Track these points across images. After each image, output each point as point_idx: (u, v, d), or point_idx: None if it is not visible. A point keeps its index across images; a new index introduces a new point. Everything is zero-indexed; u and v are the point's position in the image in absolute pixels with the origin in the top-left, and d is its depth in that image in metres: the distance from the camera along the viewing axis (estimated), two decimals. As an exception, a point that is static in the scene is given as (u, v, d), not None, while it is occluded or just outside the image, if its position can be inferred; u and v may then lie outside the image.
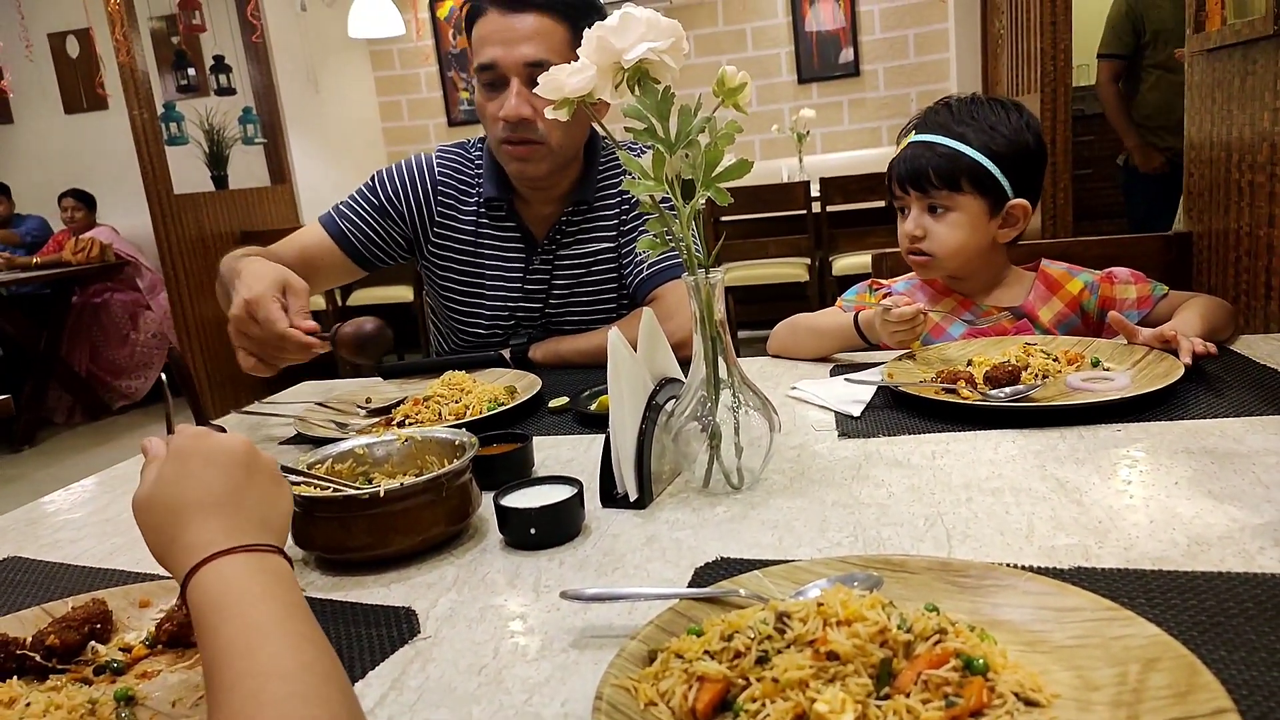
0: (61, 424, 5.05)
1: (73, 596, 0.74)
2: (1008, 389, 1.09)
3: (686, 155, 0.87)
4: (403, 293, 4.97)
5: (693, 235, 0.89)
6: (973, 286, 1.45)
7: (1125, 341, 1.21)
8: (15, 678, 0.64)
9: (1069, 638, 0.58)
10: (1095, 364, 1.17)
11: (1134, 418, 1.00)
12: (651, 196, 0.89)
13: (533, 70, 1.36)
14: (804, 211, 4.21)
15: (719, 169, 0.87)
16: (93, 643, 0.69)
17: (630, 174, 0.87)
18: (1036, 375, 1.13)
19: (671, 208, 0.89)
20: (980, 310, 1.43)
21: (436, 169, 1.58)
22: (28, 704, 0.60)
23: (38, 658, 0.66)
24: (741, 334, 4.56)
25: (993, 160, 1.33)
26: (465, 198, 1.57)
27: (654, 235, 0.91)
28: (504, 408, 1.22)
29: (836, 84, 5.66)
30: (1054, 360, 1.17)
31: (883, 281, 1.53)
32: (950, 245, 1.37)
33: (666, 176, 0.87)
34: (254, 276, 1.21)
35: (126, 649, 0.68)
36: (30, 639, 0.68)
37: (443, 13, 6.10)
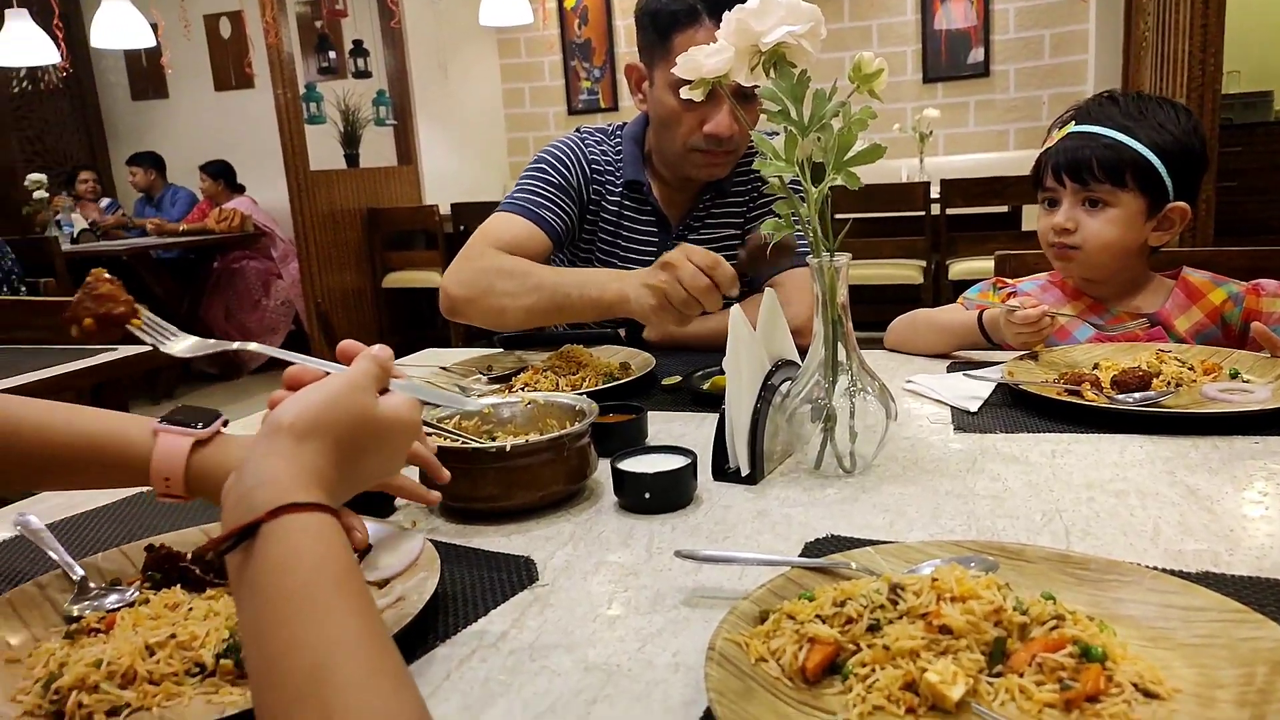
0: (198, 380, 5.39)
1: (227, 520, 0.81)
2: (1137, 394, 1.05)
3: (819, 139, 0.88)
4: (432, 277, 5.12)
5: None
6: (1108, 290, 1.39)
7: (1269, 355, 1.15)
8: (179, 586, 0.71)
9: (1194, 636, 0.57)
10: (1234, 375, 1.12)
11: (1273, 431, 0.95)
12: (781, 178, 0.90)
13: (742, 87, 1.35)
14: (922, 213, 4.11)
15: (850, 153, 0.87)
16: (245, 562, 0.75)
17: (763, 155, 0.89)
18: (1169, 383, 1.09)
19: (800, 191, 0.90)
20: (1111, 315, 1.38)
21: (587, 151, 1.61)
22: (190, 609, 0.67)
23: (197, 571, 0.73)
24: (850, 334, 4.49)
25: (1160, 158, 1.28)
26: (612, 181, 1.61)
27: (780, 217, 0.92)
28: (618, 382, 1.26)
29: (964, 84, 5.49)
30: (1189, 369, 1.12)
31: (1008, 280, 1.50)
32: (1103, 240, 1.32)
33: (797, 159, 0.88)
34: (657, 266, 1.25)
35: (274, 570, 0.74)
36: (191, 554, 0.74)
37: (570, 2, 6.20)
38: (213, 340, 0.73)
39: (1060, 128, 1.37)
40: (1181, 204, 1.32)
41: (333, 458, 0.56)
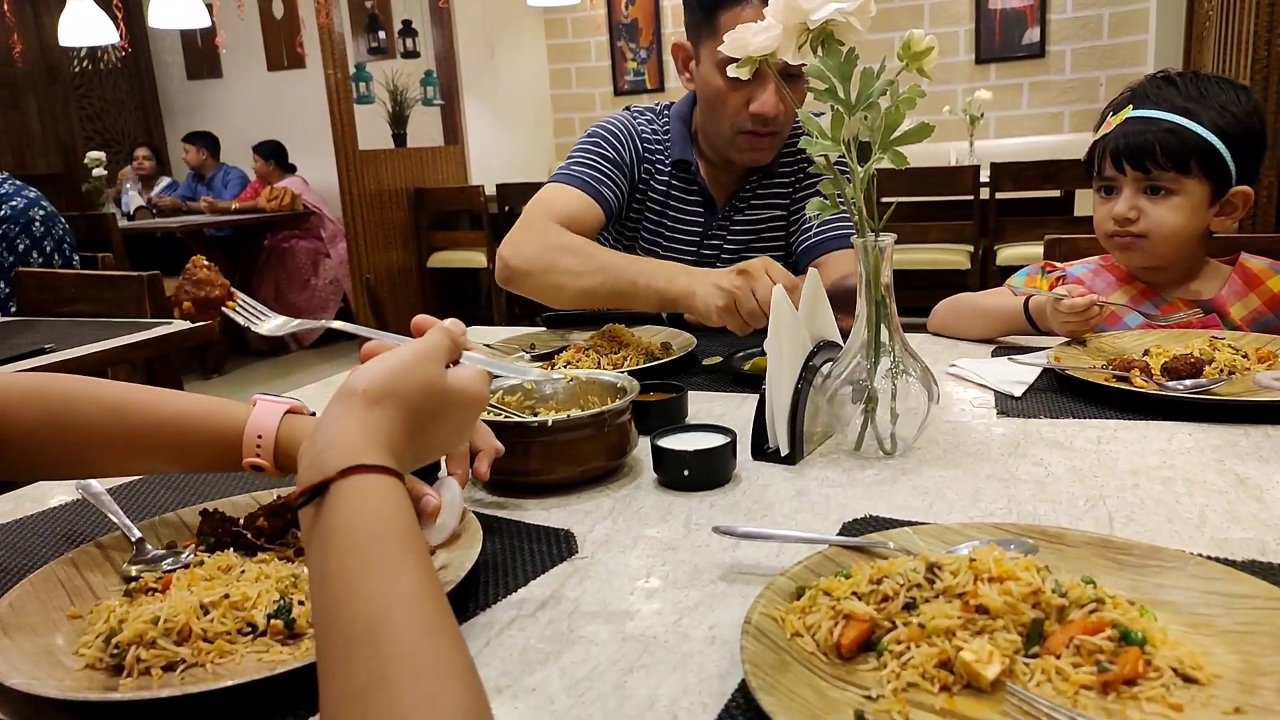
0: (248, 355, 5.52)
1: (279, 489, 0.83)
2: (1188, 381, 1.03)
3: (865, 117, 0.87)
4: (477, 257, 5.18)
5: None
6: (1164, 277, 1.36)
7: (1328, 343, 1.12)
8: (232, 549, 0.74)
9: (1237, 623, 0.56)
10: (1290, 364, 1.09)
11: (1331, 422, 0.93)
12: (826, 157, 0.89)
13: (789, 67, 1.26)
14: (971, 197, 4.04)
15: (898, 132, 0.86)
16: (293, 529, 0.77)
17: (809, 133, 0.88)
18: (1221, 370, 1.07)
19: (846, 171, 0.89)
20: (1164, 302, 1.35)
21: (639, 130, 1.62)
22: (242, 572, 0.69)
23: (249, 535, 0.75)
24: (894, 319, 4.44)
25: (1223, 140, 1.25)
26: (661, 160, 1.62)
27: (825, 197, 0.92)
28: (659, 361, 1.26)
29: (1018, 65, 5.36)
30: (1243, 356, 1.10)
31: (1057, 264, 1.47)
32: (1169, 228, 1.28)
33: (843, 138, 0.88)
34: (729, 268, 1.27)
35: (322, 537, 0.76)
36: (243, 519, 0.77)
37: (617, -18, 6.18)
38: (297, 320, 0.77)
39: (1116, 112, 1.33)
40: (1245, 188, 1.28)
41: (402, 424, 0.57)
